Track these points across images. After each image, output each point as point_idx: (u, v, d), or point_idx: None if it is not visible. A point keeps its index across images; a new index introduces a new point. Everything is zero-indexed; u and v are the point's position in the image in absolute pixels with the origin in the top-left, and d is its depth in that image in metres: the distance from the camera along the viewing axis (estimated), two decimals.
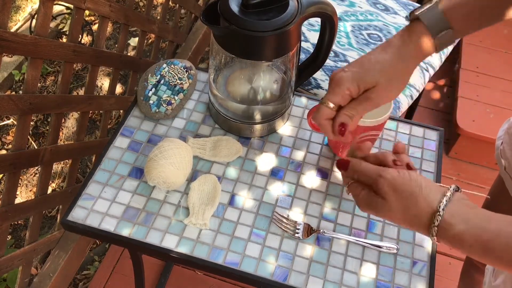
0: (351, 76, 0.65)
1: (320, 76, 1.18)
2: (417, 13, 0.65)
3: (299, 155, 0.89)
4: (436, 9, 0.64)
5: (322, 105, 0.67)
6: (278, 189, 0.84)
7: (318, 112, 0.67)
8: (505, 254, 0.50)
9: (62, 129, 1.98)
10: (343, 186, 0.66)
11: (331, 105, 0.66)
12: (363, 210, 0.62)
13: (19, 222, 1.72)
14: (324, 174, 0.86)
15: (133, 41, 2.26)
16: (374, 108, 0.68)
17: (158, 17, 1.69)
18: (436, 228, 0.53)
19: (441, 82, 2.01)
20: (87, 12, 1.57)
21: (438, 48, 0.66)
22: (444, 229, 0.53)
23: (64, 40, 1.88)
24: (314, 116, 0.69)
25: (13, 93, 2.10)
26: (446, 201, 0.54)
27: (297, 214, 0.81)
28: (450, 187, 0.56)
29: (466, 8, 0.64)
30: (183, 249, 0.76)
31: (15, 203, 1.12)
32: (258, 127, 0.89)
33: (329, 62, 1.20)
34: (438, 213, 0.53)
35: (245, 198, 0.83)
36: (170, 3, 1.80)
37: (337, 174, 0.87)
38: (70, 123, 2.02)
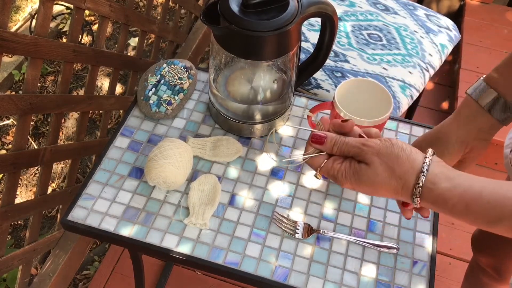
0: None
1: (320, 76, 1.18)
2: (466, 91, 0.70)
3: (299, 155, 0.89)
4: (481, 82, 0.69)
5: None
6: (278, 189, 0.84)
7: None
8: (486, 213, 0.51)
9: (62, 129, 1.98)
10: (313, 169, 0.62)
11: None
12: (345, 184, 0.58)
13: (19, 222, 1.72)
14: None
15: (133, 41, 2.25)
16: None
17: (158, 17, 1.69)
18: (420, 188, 0.53)
19: (441, 81, 2.01)
20: (87, 12, 1.57)
21: (492, 116, 0.69)
22: (428, 189, 0.53)
23: (64, 40, 1.88)
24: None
25: (13, 93, 2.10)
26: (429, 161, 0.54)
27: (297, 214, 0.81)
28: (428, 150, 0.56)
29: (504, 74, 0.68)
30: (183, 249, 0.76)
31: (15, 203, 1.12)
32: (258, 127, 0.89)
33: (329, 62, 1.20)
34: (422, 173, 0.54)
35: (245, 198, 0.82)
36: (170, 3, 1.80)
37: None
38: (70, 123, 2.02)
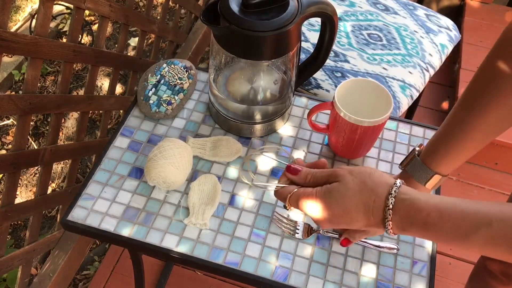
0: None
1: (320, 76, 1.18)
2: (404, 167, 0.73)
3: (299, 155, 0.89)
4: (417, 161, 0.71)
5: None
6: None
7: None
8: (461, 222, 0.48)
9: (62, 129, 1.98)
10: (282, 201, 0.62)
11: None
12: (315, 207, 0.56)
13: (19, 222, 1.72)
14: None
15: (133, 41, 2.25)
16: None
17: (158, 17, 1.69)
18: (393, 199, 0.51)
19: (441, 81, 2.01)
20: (87, 12, 1.57)
21: (430, 188, 0.71)
22: (401, 200, 0.51)
23: (64, 40, 1.88)
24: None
25: (13, 93, 2.10)
26: (400, 181, 0.54)
27: (297, 214, 0.81)
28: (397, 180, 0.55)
29: (439, 153, 0.69)
30: (183, 249, 0.76)
31: (15, 203, 1.12)
32: (258, 127, 0.89)
33: (329, 62, 1.20)
34: (395, 184, 0.53)
35: (245, 198, 0.82)
36: (170, 3, 1.80)
37: None
38: (70, 123, 2.02)
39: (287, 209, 0.61)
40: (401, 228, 0.53)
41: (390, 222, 0.52)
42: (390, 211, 0.52)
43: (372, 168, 0.57)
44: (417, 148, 0.73)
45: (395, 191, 0.52)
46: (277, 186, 0.62)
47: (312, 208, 0.57)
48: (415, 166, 0.71)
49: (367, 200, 0.53)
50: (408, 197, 0.52)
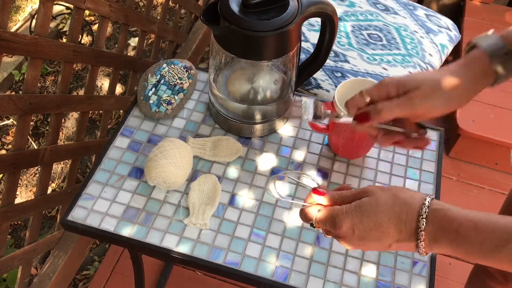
0: (394, 78, 0.63)
1: (320, 76, 1.18)
2: (474, 41, 0.65)
3: (299, 155, 0.89)
4: (493, 36, 0.64)
5: (357, 95, 0.65)
6: (278, 189, 0.84)
7: (352, 99, 0.65)
8: (493, 235, 0.48)
9: (62, 129, 1.98)
10: (306, 222, 0.61)
11: (366, 96, 0.64)
12: (344, 221, 0.55)
13: (19, 222, 1.72)
14: (324, 174, 0.86)
15: (133, 41, 2.25)
16: (409, 112, 0.62)
17: (158, 17, 1.69)
18: (427, 208, 0.51)
19: None
20: (87, 12, 1.57)
21: (496, 75, 0.62)
22: (434, 210, 0.51)
23: (64, 40, 1.88)
24: (346, 102, 0.66)
25: (13, 93, 2.10)
26: (432, 195, 0.54)
27: (297, 214, 0.81)
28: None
29: None
30: (183, 249, 0.76)
31: (15, 203, 1.12)
32: (258, 127, 0.89)
33: (329, 62, 1.20)
34: (428, 195, 0.53)
35: (245, 198, 0.82)
36: (170, 3, 1.80)
37: (337, 174, 0.86)
38: (70, 123, 2.02)
39: (314, 228, 0.59)
40: (433, 240, 0.52)
41: (423, 233, 0.52)
42: (424, 220, 0.51)
43: (396, 186, 0.57)
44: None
45: (428, 201, 0.52)
46: (304, 205, 0.61)
47: (341, 225, 0.55)
48: (486, 37, 0.65)
49: (400, 212, 0.53)
50: (441, 207, 0.52)
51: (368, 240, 0.55)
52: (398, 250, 0.57)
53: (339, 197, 0.58)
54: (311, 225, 0.59)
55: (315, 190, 0.60)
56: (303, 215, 0.60)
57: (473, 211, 0.51)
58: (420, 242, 0.52)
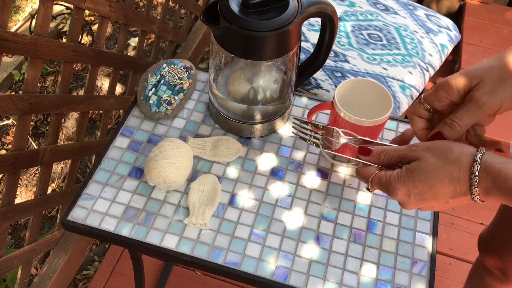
0: (451, 79, 0.59)
1: (320, 76, 1.18)
2: None
3: (299, 155, 0.89)
4: None
5: (417, 103, 0.62)
6: (278, 189, 0.84)
7: (412, 107, 0.63)
8: None
9: (62, 129, 1.98)
10: (364, 183, 0.62)
11: (426, 105, 0.61)
12: (399, 189, 0.56)
13: (19, 222, 1.72)
14: (324, 174, 0.86)
15: (133, 41, 2.25)
16: (480, 114, 0.58)
17: (158, 17, 1.69)
18: (479, 165, 0.51)
19: None
20: (87, 12, 1.57)
21: None
22: (486, 167, 0.51)
23: (64, 40, 1.88)
24: (407, 110, 0.64)
25: (13, 93, 2.10)
26: (483, 149, 0.53)
27: (297, 214, 0.81)
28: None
29: None
30: (183, 249, 0.76)
31: (15, 203, 1.12)
32: (258, 127, 0.89)
33: (329, 62, 1.20)
34: (478, 151, 0.52)
35: (245, 198, 0.82)
36: (170, 3, 1.80)
37: (337, 174, 0.86)
38: (70, 123, 2.02)
39: (370, 191, 0.61)
40: (487, 194, 0.52)
41: (477, 189, 0.52)
42: (476, 178, 0.52)
43: (448, 141, 0.56)
44: None
45: (479, 157, 0.52)
46: (357, 162, 0.62)
47: (396, 192, 0.56)
48: None
49: (452, 171, 0.53)
50: (493, 164, 0.51)
51: (426, 200, 0.56)
52: (455, 205, 0.58)
53: (385, 155, 0.59)
54: (367, 188, 0.61)
55: (360, 150, 0.61)
56: (360, 175, 0.61)
57: None
58: (474, 196, 0.53)
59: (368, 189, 0.61)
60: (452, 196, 0.55)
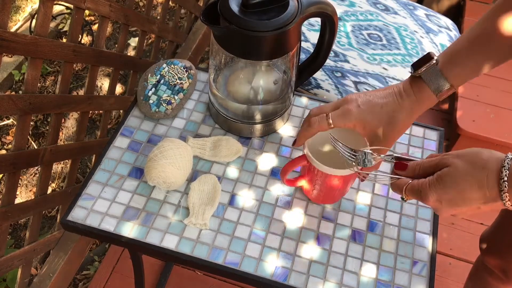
0: (361, 117, 0.69)
1: (320, 76, 1.18)
2: (419, 72, 0.69)
3: (299, 155, 0.89)
4: (436, 69, 0.68)
5: (324, 117, 0.69)
6: (278, 189, 0.84)
7: (317, 120, 0.70)
8: None
9: (62, 129, 1.98)
10: (399, 194, 0.65)
11: (330, 121, 0.70)
12: (431, 195, 0.58)
13: (19, 222, 1.72)
14: None
15: (133, 41, 2.26)
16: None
17: (158, 17, 1.69)
18: (507, 171, 0.52)
19: None
20: (87, 12, 1.57)
21: (438, 99, 0.70)
22: None
23: (64, 40, 1.88)
24: (310, 121, 0.69)
25: (13, 93, 2.10)
26: (510, 158, 0.54)
27: (297, 214, 0.81)
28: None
29: (460, 66, 0.67)
30: (183, 249, 0.76)
31: (15, 203, 1.12)
32: (258, 127, 0.89)
33: (329, 62, 1.20)
34: (506, 156, 0.53)
35: (245, 198, 0.82)
36: (170, 3, 1.80)
37: None
38: (70, 123, 2.02)
39: (405, 200, 0.63)
40: None
41: (507, 194, 0.53)
42: (506, 183, 0.52)
43: (480, 148, 0.57)
44: (435, 56, 0.69)
45: (507, 163, 0.53)
46: (392, 178, 0.64)
47: (428, 198, 0.58)
48: (432, 74, 0.68)
49: (480, 177, 0.54)
50: None
51: (457, 205, 0.57)
52: (487, 210, 0.60)
53: (420, 169, 0.61)
54: (402, 198, 0.63)
55: (396, 165, 0.64)
56: (395, 187, 0.64)
57: None
58: (505, 202, 0.53)
59: (402, 199, 0.63)
60: (483, 202, 0.56)
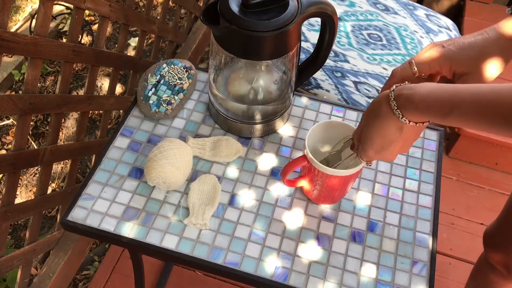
0: (448, 55, 0.67)
1: (320, 76, 1.18)
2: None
3: (299, 155, 0.89)
4: None
5: (407, 63, 0.69)
6: (278, 189, 0.84)
7: (400, 67, 0.69)
8: (441, 108, 0.56)
9: (62, 129, 1.98)
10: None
11: (415, 69, 0.68)
12: (361, 147, 0.67)
13: (19, 222, 1.72)
14: None
15: (133, 41, 2.26)
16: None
17: (158, 17, 1.69)
18: (392, 93, 0.60)
19: (441, 81, 2.01)
20: (87, 12, 1.57)
21: None
22: (398, 88, 0.60)
23: (64, 40, 1.88)
24: (392, 71, 0.70)
25: (13, 93, 2.10)
26: (396, 86, 0.62)
27: (297, 214, 0.81)
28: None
29: None
30: (183, 249, 0.76)
31: (15, 203, 1.12)
32: (258, 127, 0.89)
33: (329, 62, 1.20)
34: (392, 89, 0.61)
35: (245, 198, 0.82)
36: (170, 3, 1.80)
37: None
38: (70, 123, 2.02)
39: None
40: (407, 111, 0.60)
41: (398, 110, 0.60)
42: (394, 102, 0.60)
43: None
44: None
45: (392, 89, 0.61)
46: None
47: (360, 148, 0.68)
48: None
49: (378, 112, 0.63)
50: (405, 91, 0.60)
51: (378, 145, 0.65)
52: (406, 139, 0.65)
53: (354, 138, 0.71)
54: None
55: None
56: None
57: (431, 86, 0.59)
58: (401, 117, 0.60)
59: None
60: (394, 129, 0.62)
